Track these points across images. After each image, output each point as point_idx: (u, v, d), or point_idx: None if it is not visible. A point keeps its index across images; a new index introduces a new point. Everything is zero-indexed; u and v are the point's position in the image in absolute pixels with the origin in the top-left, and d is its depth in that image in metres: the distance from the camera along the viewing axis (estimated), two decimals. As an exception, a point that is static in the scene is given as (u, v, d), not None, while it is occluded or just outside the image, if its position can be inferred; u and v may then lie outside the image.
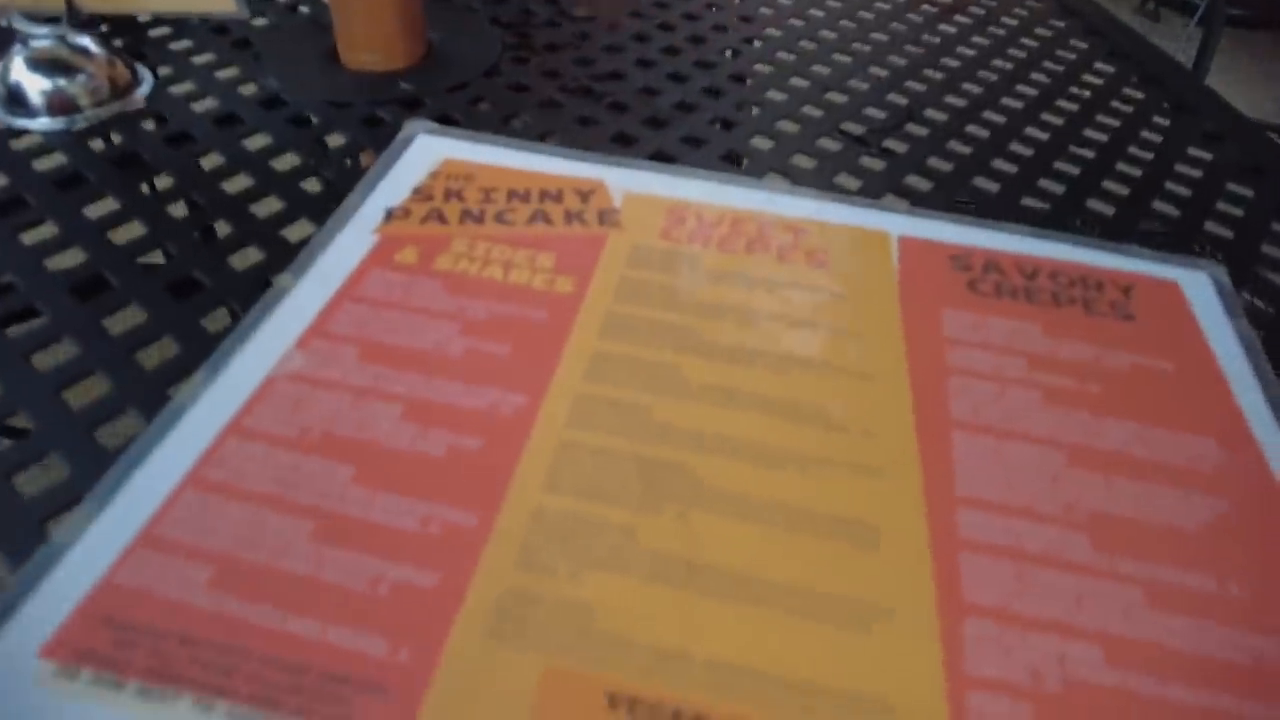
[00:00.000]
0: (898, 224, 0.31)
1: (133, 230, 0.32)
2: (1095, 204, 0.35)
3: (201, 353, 0.24)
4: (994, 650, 0.19)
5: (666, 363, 0.25)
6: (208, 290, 0.29)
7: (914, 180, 0.35)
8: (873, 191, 0.35)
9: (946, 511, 0.22)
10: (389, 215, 0.30)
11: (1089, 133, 0.40)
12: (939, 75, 0.44)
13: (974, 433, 0.24)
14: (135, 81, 0.39)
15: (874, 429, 0.23)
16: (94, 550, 0.20)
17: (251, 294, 0.26)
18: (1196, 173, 0.37)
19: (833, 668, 0.18)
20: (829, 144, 0.38)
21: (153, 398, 0.25)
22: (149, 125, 0.37)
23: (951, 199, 0.34)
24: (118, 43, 0.42)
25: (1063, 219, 0.35)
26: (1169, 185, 0.37)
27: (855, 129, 0.38)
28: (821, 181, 0.35)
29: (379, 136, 0.37)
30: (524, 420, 0.23)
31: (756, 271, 0.28)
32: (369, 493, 0.21)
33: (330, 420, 0.23)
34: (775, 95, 0.42)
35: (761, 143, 0.38)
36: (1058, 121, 0.41)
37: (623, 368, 0.25)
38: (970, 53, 0.46)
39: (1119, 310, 0.28)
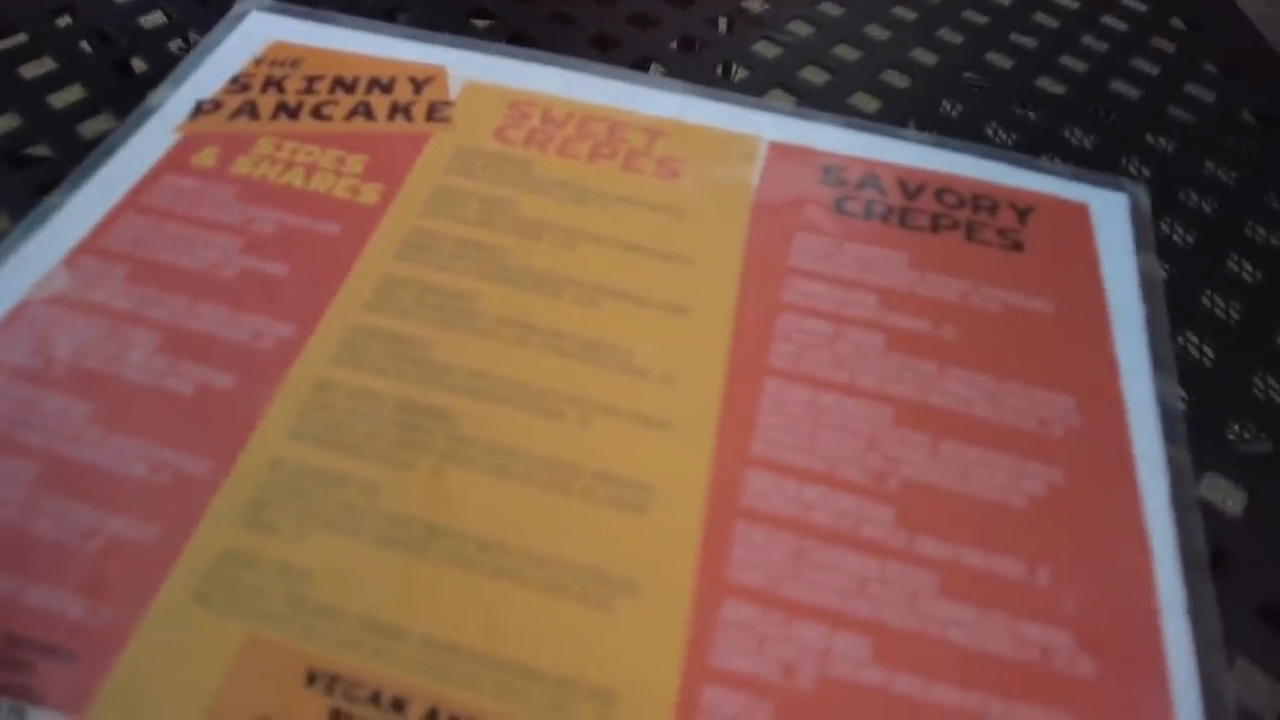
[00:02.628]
0: (773, 127, 0.27)
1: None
2: (1021, 108, 0.30)
3: (-39, 268, 0.22)
4: (748, 639, 0.17)
5: (464, 290, 0.22)
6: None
7: (810, 73, 0.31)
8: (758, 87, 0.30)
9: (734, 473, 0.19)
10: (197, 109, 0.26)
11: (1039, 17, 0.34)
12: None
13: (790, 381, 0.21)
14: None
15: (677, 374, 0.21)
16: None
17: (31, 199, 0.24)
18: (1154, 69, 0.32)
19: (559, 650, 0.17)
20: (724, 26, 0.32)
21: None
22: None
23: (846, 99, 0.30)
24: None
25: (980, 124, 0.30)
26: (1116, 86, 0.32)
27: (756, 7, 0.33)
28: (700, 73, 0.31)
29: (208, 13, 0.32)
30: (286, 355, 0.21)
31: (593, 184, 0.25)
32: (105, 434, 0.19)
33: (81, 351, 0.21)
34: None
35: (642, 23, 0.33)
36: (1003, 1, 0.35)
37: (412, 295, 0.22)
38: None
39: (1006, 238, 0.24)
